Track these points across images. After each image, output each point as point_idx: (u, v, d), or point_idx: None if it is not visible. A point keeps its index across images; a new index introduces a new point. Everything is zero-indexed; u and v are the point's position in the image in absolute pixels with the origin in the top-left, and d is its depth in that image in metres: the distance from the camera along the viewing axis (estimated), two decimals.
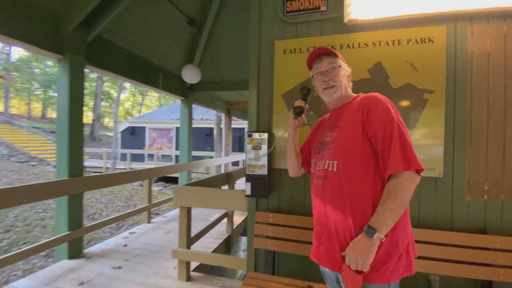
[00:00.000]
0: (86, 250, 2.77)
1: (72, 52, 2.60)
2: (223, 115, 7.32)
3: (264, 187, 1.70)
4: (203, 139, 13.71)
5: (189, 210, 2.04)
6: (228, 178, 3.21)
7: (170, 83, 4.23)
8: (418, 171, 0.92)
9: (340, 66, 1.10)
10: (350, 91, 1.14)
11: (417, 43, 1.60)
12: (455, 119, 1.56)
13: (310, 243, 1.65)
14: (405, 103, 1.62)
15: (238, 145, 13.70)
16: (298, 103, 1.27)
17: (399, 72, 1.62)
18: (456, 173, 1.56)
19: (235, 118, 9.77)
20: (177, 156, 12.75)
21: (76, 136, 2.61)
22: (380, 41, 1.65)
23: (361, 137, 0.98)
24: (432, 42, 1.58)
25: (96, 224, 2.78)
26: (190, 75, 3.40)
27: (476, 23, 1.54)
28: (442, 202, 1.58)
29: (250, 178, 1.73)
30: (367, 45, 1.67)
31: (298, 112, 1.24)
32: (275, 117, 1.83)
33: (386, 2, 1.58)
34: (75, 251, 2.60)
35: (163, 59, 3.95)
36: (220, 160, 6.95)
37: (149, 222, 3.75)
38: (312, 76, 1.19)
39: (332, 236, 1.03)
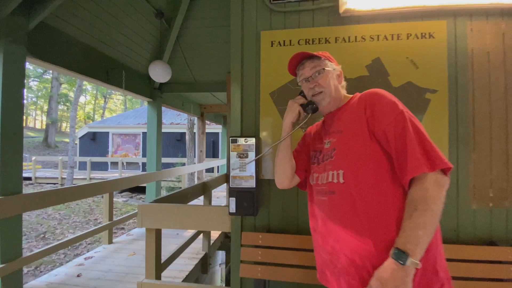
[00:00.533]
0: (27, 285, 2.23)
1: (8, 40, 2.10)
2: (196, 119, 6.90)
3: (253, 202, 1.42)
4: (173, 144, 12.99)
5: (158, 232, 1.68)
6: (204, 189, 2.86)
7: (135, 82, 3.77)
8: (445, 171, 0.75)
9: (324, 68, 0.96)
10: (343, 91, 1.01)
11: (417, 38, 1.46)
12: (458, 121, 1.44)
13: (310, 267, 1.43)
14: (406, 103, 1.46)
15: (212, 151, 13.21)
16: (302, 99, 1.06)
17: (399, 69, 1.47)
18: (461, 180, 1.44)
19: (209, 122, 9.35)
20: (144, 164, 11.90)
21: (11, 144, 2.09)
22: (378, 35, 1.49)
23: (368, 139, 0.83)
24: (433, 37, 1.45)
25: (40, 252, 2.24)
26: (159, 73, 3.02)
27: (475, 19, 1.44)
28: (447, 212, 1.44)
29: (235, 193, 1.44)
30: (364, 39, 1.50)
31: (315, 108, 1.01)
32: (262, 119, 1.58)
33: None
34: None
35: (127, 55, 3.50)
36: (193, 167, 6.50)
37: (110, 242, 3.23)
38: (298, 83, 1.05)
39: (347, 268, 0.80)
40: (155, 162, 4.31)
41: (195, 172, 6.93)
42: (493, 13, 1.43)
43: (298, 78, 1.05)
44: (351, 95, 0.98)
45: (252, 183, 1.42)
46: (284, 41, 1.56)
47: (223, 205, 1.75)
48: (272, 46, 1.57)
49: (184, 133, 11.51)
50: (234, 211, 1.44)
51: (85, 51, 3.00)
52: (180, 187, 8.44)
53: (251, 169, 1.43)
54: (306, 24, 1.56)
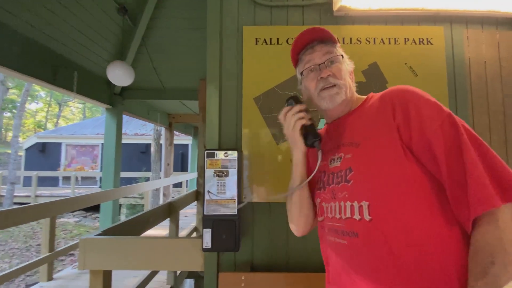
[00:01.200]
0: None
1: None
2: (163, 129, 6.38)
3: (234, 234, 1.12)
4: (137, 157, 12.01)
5: (107, 275, 1.27)
6: (171, 210, 2.46)
7: (90, 85, 3.27)
8: None
9: (342, 55, 0.73)
10: (355, 92, 0.76)
11: (415, 43, 1.34)
12: None
13: None
14: None
15: (181, 164, 12.46)
16: (304, 118, 0.73)
17: (397, 76, 1.32)
18: None
19: (178, 133, 8.80)
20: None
21: None
22: (374, 38, 1.34)
23: (401, 155, 0.58)
24: (431, 44, 1.34)
25: None
26: (119, 75, 2.60)
27: (470, 27, 1.37)
28: None
29: (210, 222, 1.13)
30: (360, 42, 1.34)
31: (315, 135, 0.72)
32: (245, 128, 1.31)
33: None
34: None
35: (81, 53, 3.02)
36: (158, 182, 5.90)
37: (50, 279, 2.61)
38: (301, 74, 0.76)
39: None
40: (112, 177, 3.74)
41: (160, 188, 6.33)
42: (488, 22, 1.38)
43: (300, 67, 0.76)
44: (364, 96, 0.75)
45: (233, 209, 1.13)
46: (270, 39, 1.34)
47: (193, 236, 1.41)
48: (256, 44, 1.33)
49: (150, 144, 10.73)
50: (209, 246, 1.12)
51: (28, 46, 2.49)
52: (143, 205, 7.65)
53: (231, 191, 1.14)
54: (295, 22, 1.36)
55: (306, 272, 1.15)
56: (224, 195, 1.13)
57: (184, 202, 2.86)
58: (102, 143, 12.16)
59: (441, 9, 1.31)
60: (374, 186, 0.59)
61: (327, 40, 0.73)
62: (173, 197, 5.21)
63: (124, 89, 3.81)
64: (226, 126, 1.32)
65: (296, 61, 0.79)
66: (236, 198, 1.13)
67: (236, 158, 1.15)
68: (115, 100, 3.75)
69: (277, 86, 1.31)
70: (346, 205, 0.62)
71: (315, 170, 0.71)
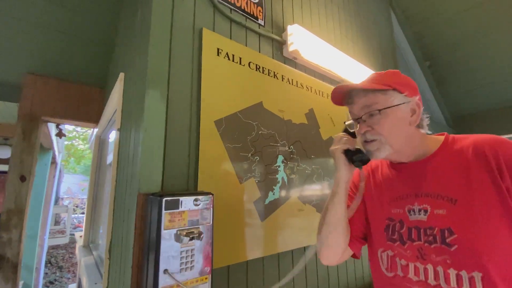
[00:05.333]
0: None
1: None
2: None
3: None
4: None
5: None
6: None
7: None
8: None
9: (381, 110, 0.63)
10: (424, 137, 0.68)
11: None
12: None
13: None
14: (330, 156, 1.50)
15: None
16: (350, 142, 0.70)
17: (325, 123, 1.52)
18: None
19: None
20: None
21: None
22: (311, 87, 1.48)
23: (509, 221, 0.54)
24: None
25: None
26: None
27: None
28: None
29: None
30: (302, 87, 1.43)
31: (364, 161, 0.66)
32: (204, 160, 0.92)
33: (319, 50, 1.48)
34: None
35: None
36: None
37: None
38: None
39: None
40: None
41: None
42: None
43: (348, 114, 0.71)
44: (441, 137, 0.67)
45: None
46: (233, 55, 1.11)
47: None
48: (218, 55, 1.05)
49: None
50: None
51: None
52: None
53: (201, 262, 0.72)
54: (253, 46, 1.24)
55: None
56: (192, 272, 0.69)
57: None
58: None
59: (344, 78, 1.70)
60: (488, 255, 0.52)
61: (367, 89, 0.65)
62: None
63: None
64: (173, 156, 0.87)
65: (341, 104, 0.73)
66: (209, 273, 0.73)
67: (211, 208, 0.76)
68: None
69: (241, 112, 1.08)
70: (449, 273, 0.55)
71: (361, 190, 0.71)
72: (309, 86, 1.46)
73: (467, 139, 0.62)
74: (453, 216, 0.58)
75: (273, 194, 1.13)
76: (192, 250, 0.70)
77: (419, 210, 0.63)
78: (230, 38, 1.14)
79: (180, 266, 0.67)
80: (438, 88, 3.66)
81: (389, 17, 2.77)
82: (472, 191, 0.57)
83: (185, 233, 0.68)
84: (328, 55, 1.54)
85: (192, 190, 0.89)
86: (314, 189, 1.34)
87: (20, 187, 2.23)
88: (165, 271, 0.65)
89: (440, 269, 0.57)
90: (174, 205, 0.69)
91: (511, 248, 0.53)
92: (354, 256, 0.76)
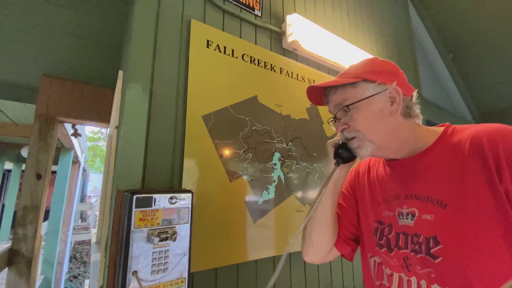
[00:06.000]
0: None
1: None
2: None
3: None
4: None
5: None
6: None
7: None
8: None
9: (350, 105, 0.56)
10: (416, 128, 0.58)
11: None
12: None
13: None
14: None
15: None
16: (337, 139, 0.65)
17: (327, 119, 1.42)
18: None
19: None
20: None
21: None
22: (314, 80, 1.39)
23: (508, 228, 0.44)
24: None
25: None
26: None
27: None
28: None
29: None
30: (304, 80, 1.34)
31: (344, 157, 0.62)
32: (189, 158, 0.88)
33: (322, 40, 1.40)
34: None
35: None
36: None
37: None
38: None
39: None
40: None
41: None
42: None
43: None
44: (440, 128, 0.56)
45: None
46: (225, 47, 1.06)
47: None
48: (208, 47, 1.01)
49: None
50: None
51: None
52: None
53: (179, 265, 0.67)
54: (249, 38, 1.18)
55: None
56: (166, 275, 0.65)
57: None
58: None
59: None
60: (476, 272, 0.43)
61: (338, 85, 0.58)
62: None
63: None
64: (156, 153, 0.83)
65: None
66: (186, 276, 0.68)
67: (190, 207, 0.71)
68: None
69: (232, 107, 1.02)
70: None
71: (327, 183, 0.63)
72: (312, 79, 1.38)
73: (468, 130, 0.51)
74: (440, 223, 0.48)
75: (268, 193, 1.06)
76: (166, 251, 0.65)
77: (407, 214, 0.53)
78: (223, 30, 1.09)
79: (152, 268, 0.63)
80: (463, 81, 3.38)
81: (405, 6, 2.59)
82: (464, 194, 0.46)
83: (156, 233, 0.64)
84: (333, 46, 1.44)
85: (177, 188, 0.85)
86: (316, 189, 1.25)
87: (36, 184, 2.33)
88: (134, 272, 0.60)
89: (423, 283, 0.48)
90: (146, 203, 0.64)
91: (505, 265, 0.42)
92: (345, 258, 0.69)
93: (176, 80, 0.92)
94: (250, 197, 1.00)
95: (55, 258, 4.04)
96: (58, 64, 2.47)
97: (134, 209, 0.63)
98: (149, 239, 0.63)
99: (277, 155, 1.12)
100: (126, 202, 0.65)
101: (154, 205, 0.65)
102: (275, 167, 1.11)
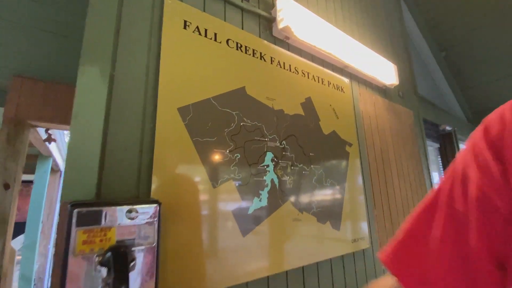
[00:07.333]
0: None
1: None
2: None
3: None
4: None
5: None
6: None
7: None
8: None
9: None
10: None
11: (335, 88, 1.39)
12: (364, 176, 1.44)
13: None
14: (334, 154, 1.26)
15: None
16: None
17: (326, 115, 1.28)
18: (374, 240, 1.37)
19: None
20: None
21: None
22: (308, 73, 1.25)
23: None
24: (343, 92, 1.44)
25: None
26: None
27: (361, 86, 1.63)
28: (372, 277, 1.28)
29: None
30: (297, 72, 1.20)
31: None
32: (159, 161, 0.71)
33: (316, 29, 1.26)
34: None
35: None
36: None
37: None
38: None
39: None
40: None
41: None
42: (370, 86, 1.70)
43: None
44: None
45: None
46: (206, 30, 0.90)
47: None
48: (185, 28, 0.85)
49: None
50: None
51: None
52: None
53: None
54: (234, 22, 1.03)
55: None
56: None
57: None
58: None
59: (349, 64, 1.46)
60: None
61: None
62: None
63: None
64: (117, 154, 0.66)
65: None
66: None
67: (156, 222, 0.55)
68: None
69: (215, 98, 0.86)
70: None
71: None
72: (306, 72, 1.24)
73: None
74: None
75: (260, 200, 0.90)
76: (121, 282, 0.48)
77: None
78: (204, 11, 0.93)
79: None
80: (456, 80, 3.33)
81: (397, 3, 2.52)
82: None
83: (113, 257, 0.47)
84: (328, 36, 1.31)
85: (146, 197, 0.68)
86: (314, 194, 1.10)
87: (3, 195, 2.09)
88: None
89: None
90: (93, 219, 0.47)
91: None
92: None
93: (145, 65, 0.75)
94: (239, 206, 0.84)
95: (32, 273, 3.71)
96: (29, 63, 2.26)
97: (74, 228, 0.45)
98: (96, 270, 0.46)
99: (269, 155, 0.97)
100: (65, 218, 0.48)
101: (105, 222, 0.48)
102: (267, 169, 0.95)
